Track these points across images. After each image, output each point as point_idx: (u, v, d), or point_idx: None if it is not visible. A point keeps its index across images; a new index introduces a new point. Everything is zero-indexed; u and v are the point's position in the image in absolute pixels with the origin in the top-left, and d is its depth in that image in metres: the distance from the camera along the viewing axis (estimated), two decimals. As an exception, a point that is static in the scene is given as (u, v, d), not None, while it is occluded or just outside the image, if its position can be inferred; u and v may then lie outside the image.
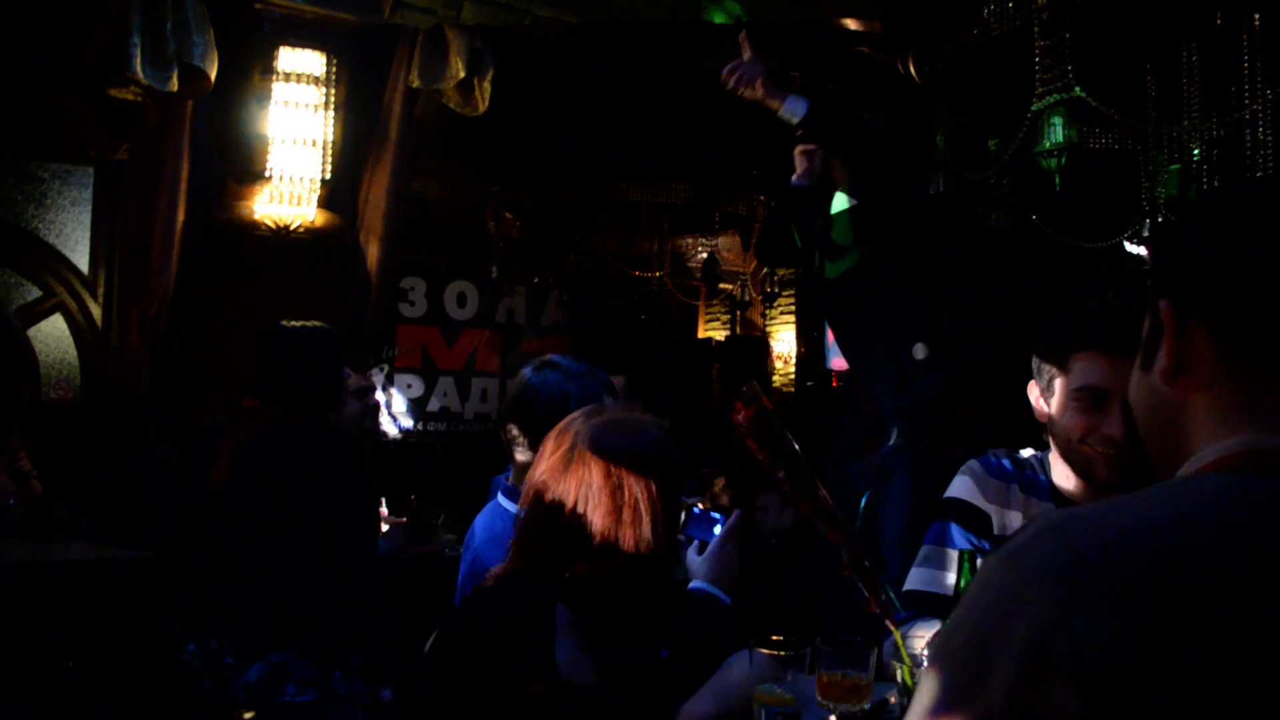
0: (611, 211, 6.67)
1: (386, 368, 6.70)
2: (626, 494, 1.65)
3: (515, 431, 2.26)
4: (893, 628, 1.84)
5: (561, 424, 1.77)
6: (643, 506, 1.65)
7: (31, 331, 5.30)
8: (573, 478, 1.67)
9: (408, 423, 6.80)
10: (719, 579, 2.00)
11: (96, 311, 5.41)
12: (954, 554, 2.05)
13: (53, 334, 5.39)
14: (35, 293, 5.34)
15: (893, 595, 2.01)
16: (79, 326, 5.41)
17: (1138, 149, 4.82)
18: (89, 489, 4.58)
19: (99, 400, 5.19)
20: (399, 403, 6.86)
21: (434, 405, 7.13)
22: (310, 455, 2.68)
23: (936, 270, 3.24)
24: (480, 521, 2.52)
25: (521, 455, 2.25)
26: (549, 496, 1.68)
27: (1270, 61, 4.05)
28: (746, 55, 3.10)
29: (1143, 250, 5.62)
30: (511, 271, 7.15)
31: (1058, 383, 1.94)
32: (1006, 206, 5.23)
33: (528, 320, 7.37)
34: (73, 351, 5.43)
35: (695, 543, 2.04)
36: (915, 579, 2.08)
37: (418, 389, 7.07)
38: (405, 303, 6.92)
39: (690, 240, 7.53)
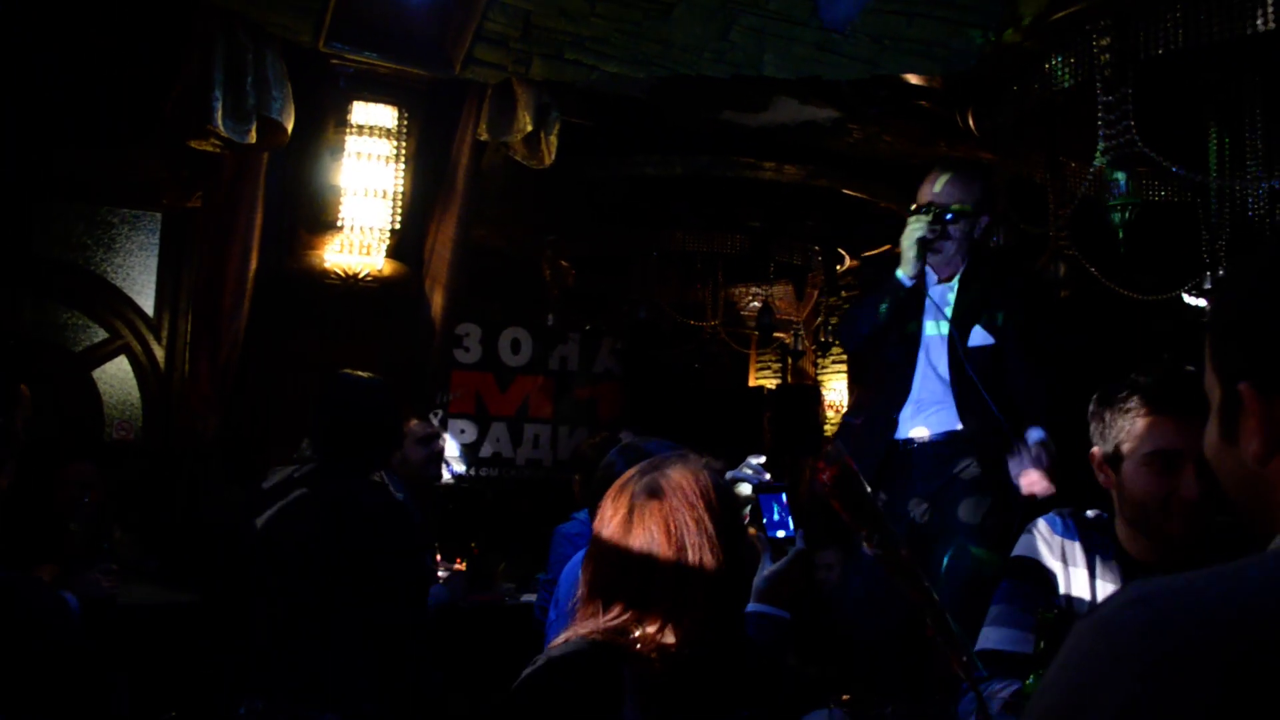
0: (666, 260, 6.76)
1: (441, 413, 6.81)
2: (691, 549, 1.64)
3: None
4: (975, 689, 1.88)
5: (619, 482, 1.77)
6: (708, 559, 1.64)
7: (96, 373, 5.45)
8: (635, 538, 1.66)
9: (461, 468, 6.88)
10: (777, 603, 1.98)
11: (160, 354, 5.55)
12: (1025, 613, 2.06)
13: (117, 375, 5.53)
14: (101, 335, 5.49)
15: (975, 656, 2.04)
16: (143, 369, 5.55)
17: (1198, 201, 4.85)
18: (153, 531, 4.68)
19: (161, 442, 5.32)
20: (453, 448, 6.95)
21: (487, 451, 7.20)
22: (352, 513, 2.66)
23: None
24: (567, 578, 2.58)
25: None
26: (613, 559, 1.67)
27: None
28: None
29: (1202, 302, 5.63)
30: (565, 319, 7.26)
31: (1126, 448, 1.95)
32: (1065, 259, 5.26)
33: (580, 367, 7.43)
34: (136, 393, 5.56)
35: (766, 554, 2.01)
36: (988, 638, 2.10)
37: (471, 434, 7.15)
38: (460, 348, 7.01)
39: (743, 289, 7.61)
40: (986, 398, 3.07)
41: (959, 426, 3.14)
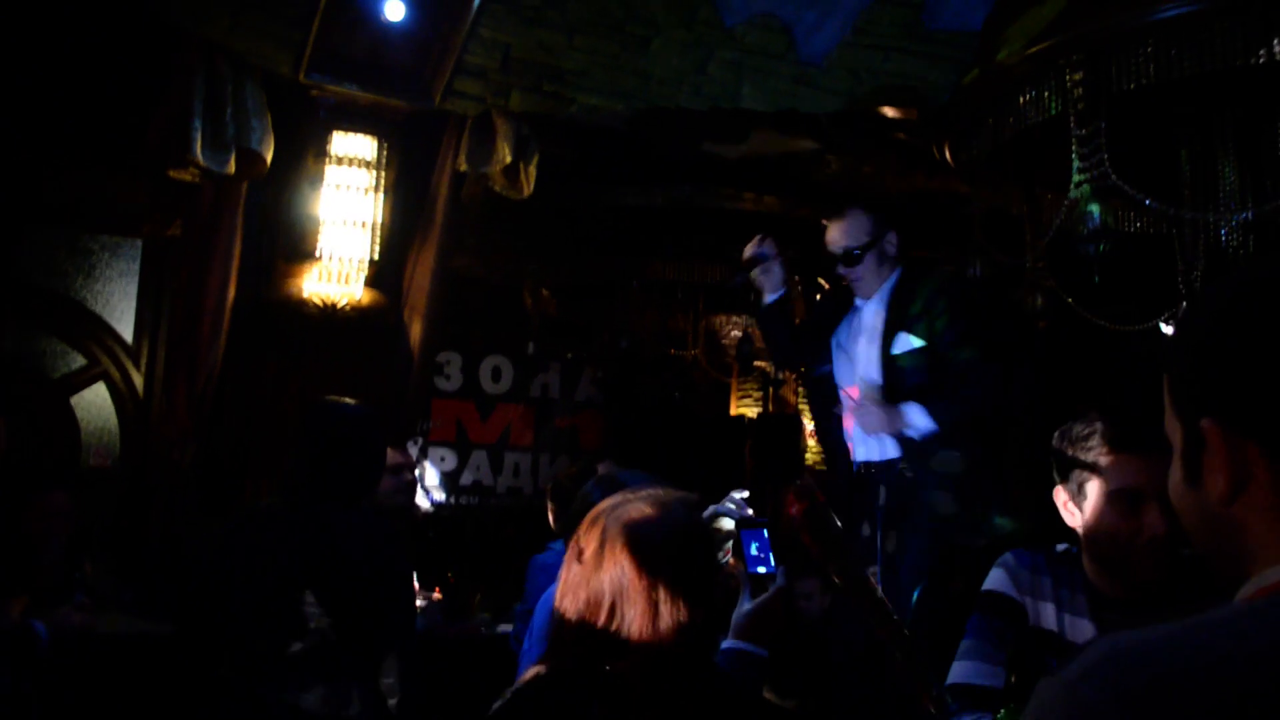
0: (647, 290, 6.79)
1: (421, 440, 6.80)
2: (662, 585, 1.64)
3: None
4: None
5: (590, 516, 1.77)
6: (679, 595, 1.65)
7: (75, 399, 5.43)
8: (605, 574, 1.66)
9: (440, 496, 6.87)
10: (756, 640, 1.95)
11: (139, 381, 5.52)
12: (994, 648, 2.07)
13: (95, 402, 5.50)
14: (80, 361, 5.47)
15: (944, 690, 2.04)
16: (121, 395, 5.53)
17: (1173, 232, 4.89)
18: (129, 559, 4.66)
19: (138, 469, 5.30)
20: (432, 476, 6.95)
21: (467, 479, 7.19)
22: (341, 543, 2.64)
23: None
24: (542, 609, 2.59)
25: None
26: (583, 594, 1.67)
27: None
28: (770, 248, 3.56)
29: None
30: (547, 348, 7.27)
31: (1090, 486, 1.96)
32: (1042, 289, 5.30)
33: (561, 396, 7.45)
34: (114, 420, 5.54)
35: (746, 590, 1.99)
36: (958, 672, 2.09)
37: (451, 462, 7.14)
38: (441, 376, 7.02)
39: (724, 318, 7.64)
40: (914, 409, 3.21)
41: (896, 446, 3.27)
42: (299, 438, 2.78)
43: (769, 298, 3.62)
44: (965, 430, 3.23)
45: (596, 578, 1.67)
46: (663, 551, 1.68)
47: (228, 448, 4.50)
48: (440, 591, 4.60)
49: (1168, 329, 5.76)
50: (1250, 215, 4.40)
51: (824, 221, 3.62)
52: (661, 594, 1.64)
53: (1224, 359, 0.81)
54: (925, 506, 3.19)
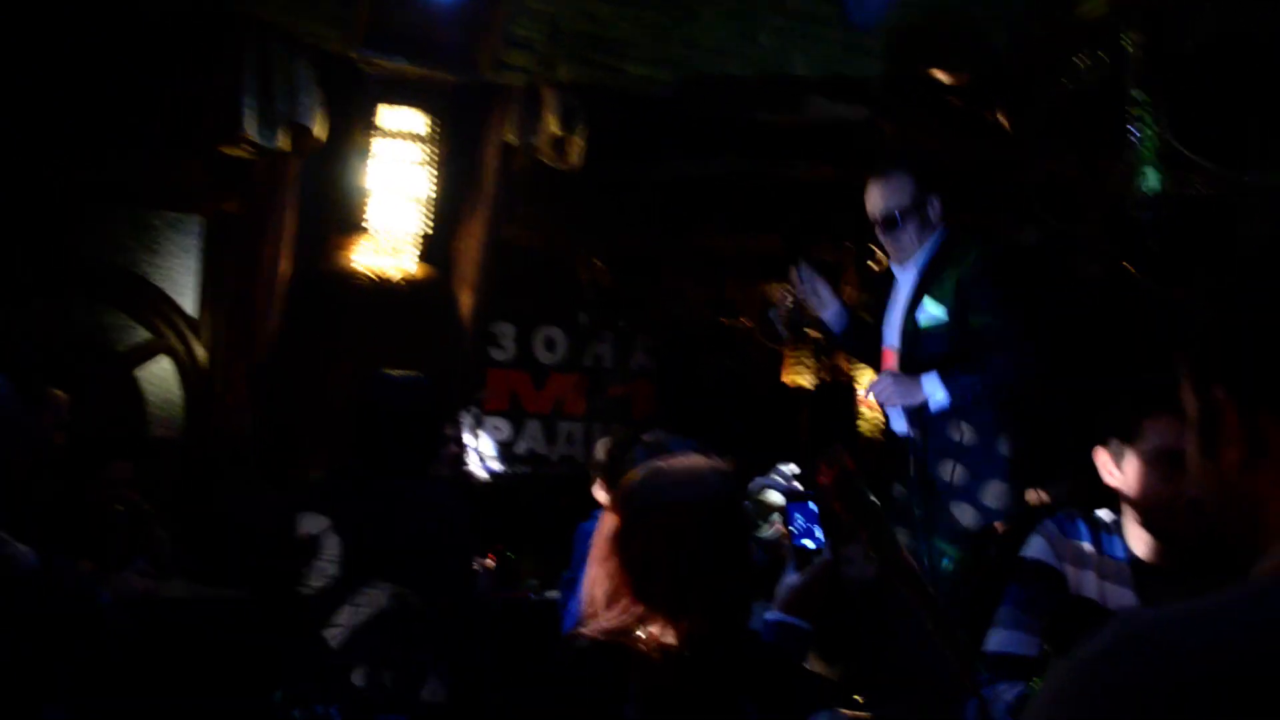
0: (699, 259, 6.78)
1: (476, 410, 6.86)
2: (694, 554, 1.66)
3: None
4: (977, 692, 1.89)
5: (623, 484, 1.79)
6: (711, 564, 1.66)
7: (139, 372, 5.56)
8: (638, 538, 1.68)
9: (496, 466, 6.95)
10: (800, 614, 1.93)
11: (202, 354, 5.62)
12: (1032, 616, 2.08)
13: (159, 375, 5.62)
14: (144, 335, 5.59)
15: (977, 659, 2.04)
16: (185, 368, 5.64)
17: (1234, 196, 4.79)
18: (192, 528, 4.79)
19: (201, 440, 5.44)
20: (488, 445, 7.03)
21: (521, 448, 7.24)
22: (411, 514, 2.66)
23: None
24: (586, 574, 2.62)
25: None
26: (617, 559, 1.69)
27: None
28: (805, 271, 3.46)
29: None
30: (600, 318, 7.29)
31: (1131, 448, 1.96)
32: (1099, 256, 5.21)
33: (614, 365, 7.47)
34: (178, 392, 5.66)
35: (791, 564, 1.98)
36: (995, 640, 2.10)
37: (506, 432, 7.19)
38: (495, 347, 7.06)
39: (777, 286, 7.58)
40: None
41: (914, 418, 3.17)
42: (358, 409, 2.79)
43: (832, 323, 3.49)
44: (990, 405, 3.11)
45: (628, 543, 1.69)
46: (695, 520, 1.69)
47: (283, 419, 4.58)
48: (493, 558, 4.66)
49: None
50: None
51: (866, 181, 3.37)
52: (691, 559, 1.66)
53: (1234, 328, 0.82)
54: (940, 481, 3.12)
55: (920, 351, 3.16)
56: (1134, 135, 4.07)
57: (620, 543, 1.71)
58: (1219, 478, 0.84)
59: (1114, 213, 4.65)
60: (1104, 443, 2.04)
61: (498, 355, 7.12)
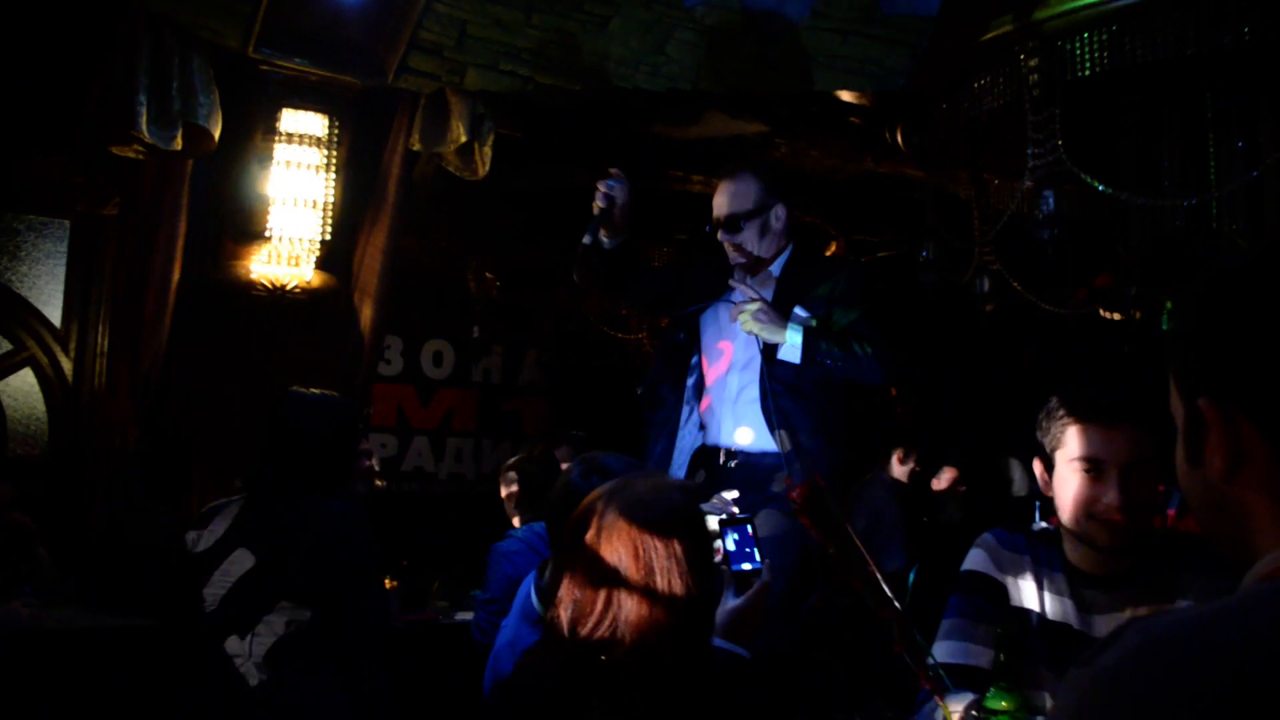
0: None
1: (362, 426, 6.71)
2: (658, 567, 1.65)
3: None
4: (941, 702, 1.93)
5: (587, 500, 1.77)
6: (675, 578, 1.65)
7: (0, 386, 5.28)
8: (604, 559, 1.66)
9: (381, 483, 6.81)
10: (739, 640, 1.94)
11: (68, 366, 5.38)
12: (976, 626, 2.11)
13: (21, 388, 5.35)
14: (5, 346, 5.31)
15: (941, 671, 2.07)
16: (49, 381, 5.37)
17: (1116, 218, 5.03)
18: (65, 549, 4.54)
19: (67, 457, 5.16)
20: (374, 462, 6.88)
21: (408, 465, 7.15)
22: (328, 530, 2.64)
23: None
24: (521, 597, 2.59)
25: None
26: (581, 579, 1.68)
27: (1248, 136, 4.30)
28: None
29: (1118, 316, 5.86)
30: (490, 331, 7.23)
31: (1058, 455, 2.02)
32: (989, 272, 5.41)
33: (504, 380, 7.43)
34: (41, 406, 5.37)
35: (730, 589, 1.99)
36: (941, 652, 2.12)
37: (392, 448, 7.09)
38: (382, 361, 6.95)
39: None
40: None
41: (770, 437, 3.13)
42: (269, 428, 2.75)
43: (610, 241, 3.32)
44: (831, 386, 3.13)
45: (593, 564, 1.67)
46: (660, 539, 1.67)
47: (172, 433, 4.39)
48: (394, 580, 4.54)
49: (1107, 314, 5.96)
50: (1193, 202, 4.56)
51: (714, 182, 3.34)
52: (658, 582, 1.65)
53: (1218, 338, 0.84)
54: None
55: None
56: (1032, 160, 4.22)
57: (585, 561, 1.69)
58: (1205, 486, 0.86)
59: (1011, 231, 4.83)
60: (1039, 454, 2.09)
61: (384, 369, 7.01)
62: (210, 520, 2.71)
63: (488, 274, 6.77)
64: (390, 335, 6.91)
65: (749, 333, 3.10)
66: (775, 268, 3.29)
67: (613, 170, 3.28)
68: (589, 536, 1.70)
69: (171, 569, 2.75)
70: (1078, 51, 4.08)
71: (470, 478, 7.26)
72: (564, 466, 3.08)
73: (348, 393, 4.62)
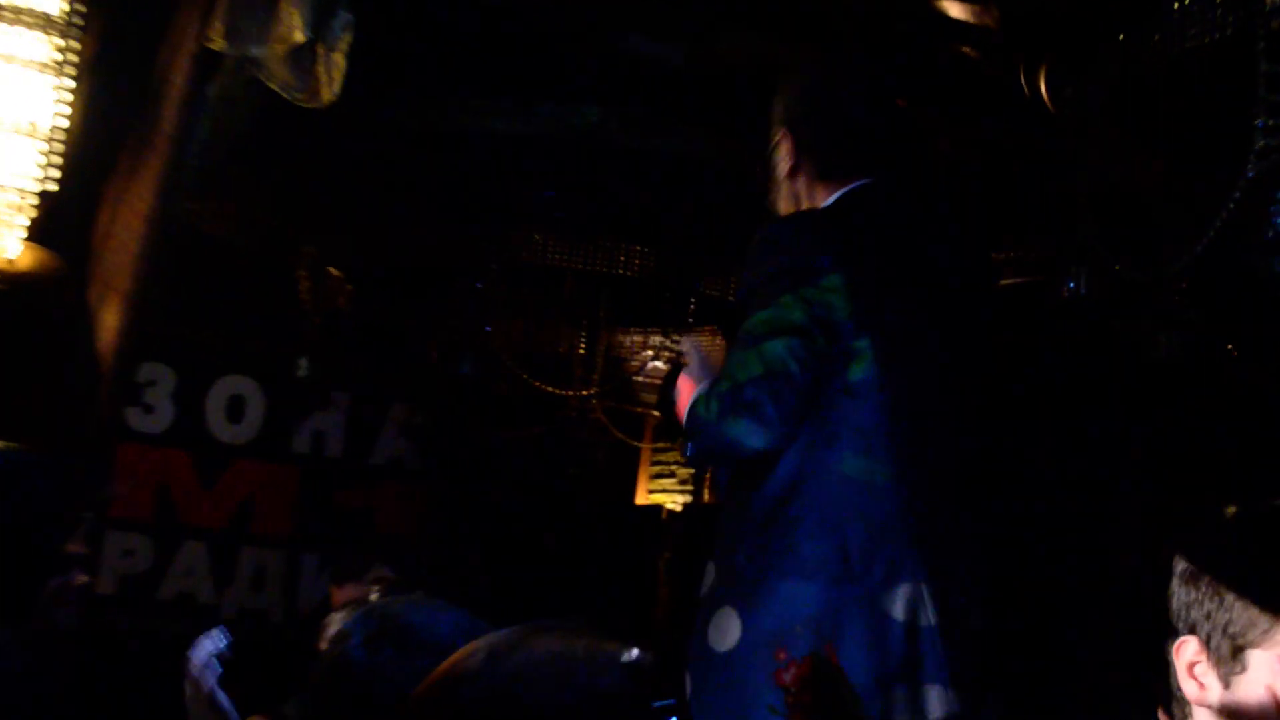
0: (512, 279, 6.79)
1: (93, 517, 6.66)
2: None
3: None
4: None
5: (438, 689, 1.83)
6: None
7: None
8: None
9: (122, 619, 6.78)
10: None
11: None
12: None
13: None
14: None
15: None
16: None
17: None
18: None
19: None
20: (108, 582, 6.85)
21: (169, 589, 7.10)
22: None
23: None
24: None
25: None
26: None
27: None
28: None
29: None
30: (329, 366, 7.20)
31: (1255, 655, 2.00)
32: (1180, 325, 5.42)
33: (347, 451, 7.41)
34: None
35: None
36: None
37: (144, 559, 7.04)
38: (138, 407, 6.92)
39: (639, 337, 7.59)
40: None
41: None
42: None
43: None
44: None
45: None
46: None
47: None
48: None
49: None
50: None
51: None
52: None
53: None
54: None
55: None
56: (1263, 136, 4.26)
57: None
58: None
59: (1217, 256, 4.87)
60: (1196, 631, 2.09)
61: (140, 422, 7.03)
62: None
63: (331, 270, 6.75)
64: (153, 363, 6.93)
65: None
66: None
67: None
68: None
69: None
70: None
71: (277, 619, 7.22)
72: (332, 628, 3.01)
73: (66, 454, 4.55)
